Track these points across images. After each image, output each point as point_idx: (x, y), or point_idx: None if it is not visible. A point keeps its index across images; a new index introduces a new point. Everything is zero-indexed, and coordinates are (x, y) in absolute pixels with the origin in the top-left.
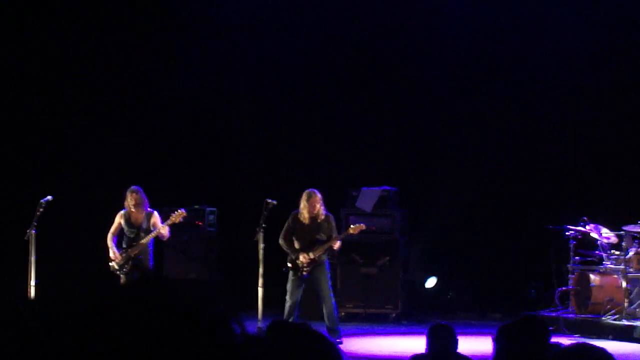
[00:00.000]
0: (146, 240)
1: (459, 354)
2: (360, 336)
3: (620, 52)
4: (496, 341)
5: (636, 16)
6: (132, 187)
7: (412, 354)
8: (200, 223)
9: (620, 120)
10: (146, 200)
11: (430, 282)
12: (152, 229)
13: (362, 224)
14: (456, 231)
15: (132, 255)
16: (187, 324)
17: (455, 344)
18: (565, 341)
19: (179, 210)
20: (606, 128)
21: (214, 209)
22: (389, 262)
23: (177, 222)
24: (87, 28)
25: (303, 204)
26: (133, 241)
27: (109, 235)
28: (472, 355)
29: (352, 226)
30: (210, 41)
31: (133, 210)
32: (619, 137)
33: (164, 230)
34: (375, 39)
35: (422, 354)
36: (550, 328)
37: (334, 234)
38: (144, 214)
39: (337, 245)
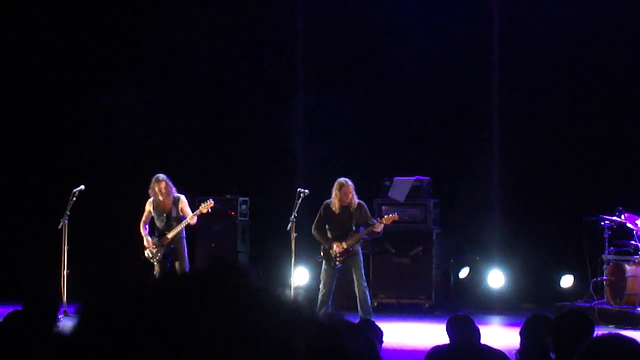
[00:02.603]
0: (177, 230)
1: (481, 344)
2: (393, 326)
3: None
4: (522, 333)
5: None
6: (158, 176)
7: (434, 346)
8: (232, 213)
9: None
10: (172, 186)
11: (464, 273)
12: (181, 214)
13: (395, 214)
14: (489, 221)
15: (165, 244)
16: (268, 308)
17: (476, 334)
18: (600, 332)
19: (208, 201)
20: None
21: (247, 198)
22: (422, 252)
23: (205, 212)
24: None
25: (335, 193)
26: (165, 229)
27: (141, 224)
28: (503, 347)
29: (385, 216)
30: (244, 26)
31: (161, 198)
32: None
33: (192, 220)
34: (404, 28)
35: (443, 345)
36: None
37: (370, 221)
38: (171, 200)
39: (380, 227)
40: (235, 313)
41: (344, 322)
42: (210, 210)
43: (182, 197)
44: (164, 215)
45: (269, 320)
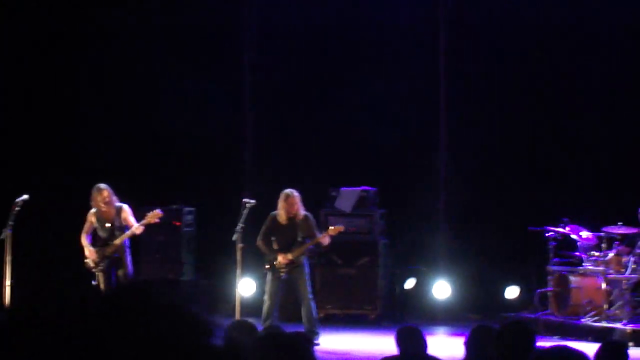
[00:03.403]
0: (120, 240)
1: (429, 355)
2: (339, 337)
3: (606, 52)
4: (466, 344)
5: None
6: (99, 185)
7: (382, 357)
8: (177, 223)
9: (602, 122)
10: (114, 196)
11: (410, 283)
12: (124, 223)
13: (341, 225)
14: (435, 232)
15: (108, 254)
16: (171, 327)
17: (424, 345)
18: (545, 343)
19: (155, 211)
20: (587, 129)
21: (192, 208)
22: (368, 263)
23: (152, 222)
24: (51, 16)
25: (281, 204)
26: (108, 239)
27: (83, 235)
28: (448, 358)
29: (331, 227)
30: (192, 40)
31: (104, 208)
32: (599, 138)
33: (138, 230)
34: (354, 39)
35: (392, 356)
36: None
37: (315, 234)
38: (114, 210)
39: (326, 240)
40: (142, 334)
41: (285, 335)
42: (158, 221)
43: (125, 206)
44: (107, 225)
45: (178, 340)
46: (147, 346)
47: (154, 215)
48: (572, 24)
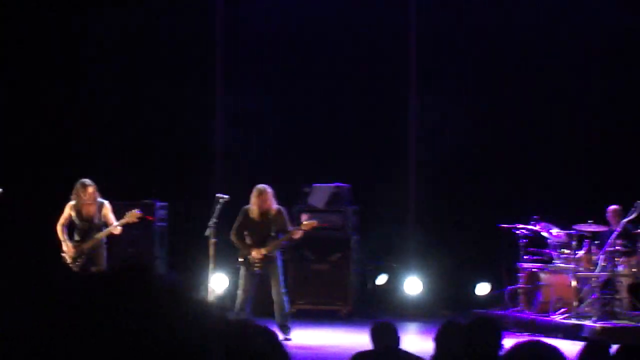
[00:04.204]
0: (100, 236)
1: (402, 350)
2: (310, 332)
3: (572, 51)
4: (436, 340)
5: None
6: (85, 181)
7: (354, 352)
8: (150, 218)
9: (572, 119)
10: (97, 192)
11: (381, 279)
12: (103, 220)
13: (314, 221)
14: (407, 228)
15: (86, 250)
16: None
17: (397, 340)
18: (515, 340)
19: (133, 211)
20: (558, 126)
21: (165, 203)
22: (340, 258)
23: (130, 222)
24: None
25: (253, 200)
26: (86, 234)
27: (59, 227)
28: (419, 353)
29: (304, 223)
30: (164, 39)
31: (87, 203)
32: (570, 136)
33: (116, 231)
34: (328, 35)
35: (365, 352)
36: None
37: (288, 228)
38: (96, 206)
39: (298, 234)
40: (145, 313)
41: (254, 325)
42: (137, 220)
43: (107, 203)
44: (87, 220)
45: (179, 320)
46: (146, 329)
47: (133, 215)
48: (535, 23)
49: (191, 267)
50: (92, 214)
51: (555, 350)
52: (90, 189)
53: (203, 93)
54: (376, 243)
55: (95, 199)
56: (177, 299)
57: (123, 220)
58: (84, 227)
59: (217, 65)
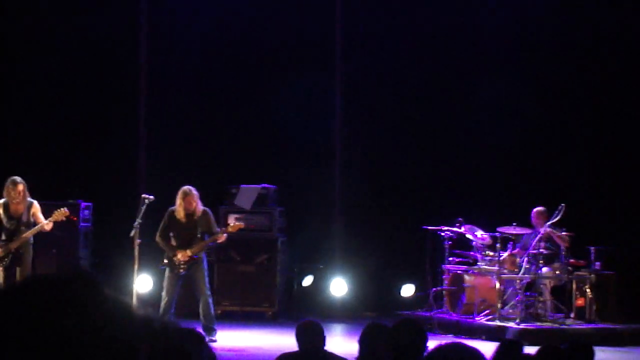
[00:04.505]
0: (28, 234)
1: (326, 351)
2: (236, 334)
3: (507, 56)
4: (360, 341)
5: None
6: (15, 178)
7: (280, 353)
8: (74, 218)
9: (496, 123)
10: (27, 191)
11: (307, 281)
12: (32, 219)
13: (240, 223)
14: (333, 230)
15: (13, 250)
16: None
17: (323, 341)
18: (439, 341)
19: (62, 209)
20: (482, 130)
21: (90, 203)
22: (266, 260)
23: (59, 220)
24: None
25: (179, 202)
26: (13, 234)
27: None
28: (343, 355)
29: (230, 224)
30: (89, 37)
31: (16, 202)
32: (494, 139)
33: (48, 227)
34: (248, 37)
35: (289, 353)
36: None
37: (213, 230)
38: (25, 205)
39: (222, 238)
40: (86, 320)
41: (179, 327)
42: (64, 219)
43: (35, 203)
44: (15, 219)
45: (120, 329)
46: (93, 338)
47: (61, 214)
48: (459, 22)
49: (115, 268)
50: (21, 212)
51: (475, 352)
52: (20, 187)
53: (128, 92)
54: (302, 244)
55: (24, 198)
56: (101, 300)
57: (52, 218)
58: (12, 227)
59: (141, 63)
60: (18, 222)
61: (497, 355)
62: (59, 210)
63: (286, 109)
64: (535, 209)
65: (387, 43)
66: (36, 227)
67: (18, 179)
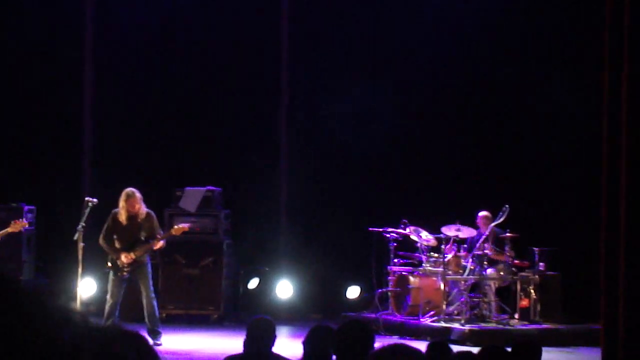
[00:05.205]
0: None
1: (273, 353)
2: (181, 337)
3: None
4: (304, 343)
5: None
6: None
7: (226, 356)
8: (18, 219)
9: (439, 123)
10: None
11: (253, 283)
12: None
13: (185, 225)
14: (278, 232)
15: None
16: (32, 320)
17: (272, 339)
18: (385, 342)
19: (22, 221)
20: (425, 130)
21: (33, 207)
22: (212, 263)
23: (16, 231)
24: None
25: (122, 204)
26: None
27: None
28: (290, 356)
29: (175, 227)
30: (34, 34)
31: None
32: (439, 139)
33: None
34: (196, 35)
35: (235, 355)
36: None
37: (157, 233)
38: None
39: (158, 245)
40: (6, 319)
41: (123, 330)
42: (23, 231)
43: None
44: None
45: (40, 326)
46: (6, 335)
47: (20, 225)
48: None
49: (59, 272)
50: None
51: (417, 353)
52: None
53: (71, 93)
54: (248, 247)
55: None
56: (38, 304)
57: (5, 231)
58: None
59: (86, 64)
60: None
61: (426, 355)
62: (17, 221)
63: (230, 108)
64: (480, 213)
65: (335, 39)
66: None
67: None
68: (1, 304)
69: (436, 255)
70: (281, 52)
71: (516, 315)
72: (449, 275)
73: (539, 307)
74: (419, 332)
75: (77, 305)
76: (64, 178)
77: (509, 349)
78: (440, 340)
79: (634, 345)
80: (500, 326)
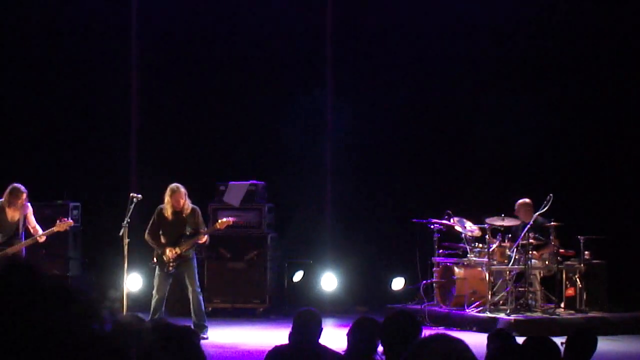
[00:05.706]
0: (25, 244)
1: (319, 345)
2: (227, 331)
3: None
4: (349, 335)
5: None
6: (18, 187)
7: (273, 346)
8: (63, 219)
9: (485, 116)
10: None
11: (298, 276)
12: (25, 222)
13: (229, 219)
14: (322, 225)
15: (10, 254)
16: (59, 309)
17: (319, 331)
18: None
19: (68, 220)
20: (470, 122)
21: (78, 203)
22: (256, 256)
23: (62, 230)
24: None
25: (167, 199)
26: (10, 239)
27: None
28: (334, 349)
29: (219, 221)
30: (78, 37)
31: (13, 209)
32: (482, 132)
33: (41, 239)
34: (240, 35)
35: (282, 345)
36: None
37: (202, 228)
38: (20, 211)
39: (203, 239)
40: (28, 312)
41: (170, 325)
42: (68, 229)
43: (29, 205)
44: (11, 226)
45: (64, 320)
46: (33, 328)
47: (66, 225)
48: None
49: (105, 268)
50: (17, 219)
51: (460, 343)
52: (23, 196)
53: (117, 91)
54: (292, 240)
55: (24, 204)
56: (62, 299)
57: (49, 231)
58: (11, 232)
59: (132, 61)
60: (16, 229)
61: (489, 345)
62: (62, 220)
63: (275, 104)
64: (519, 201)
65: (376, 40)
66: (28, 240)
67: (20, 187)
68: (24, 297)
69: (480, 245)
70: (325, 46)
71: (562, 305)
72: (493, 265)
73: (585, 296)
74: (464, 323)
75: (121, 300)
76: (109, 174)
77: (557, 339)
78: (501, 329)
79: None
80: (546, 315)
